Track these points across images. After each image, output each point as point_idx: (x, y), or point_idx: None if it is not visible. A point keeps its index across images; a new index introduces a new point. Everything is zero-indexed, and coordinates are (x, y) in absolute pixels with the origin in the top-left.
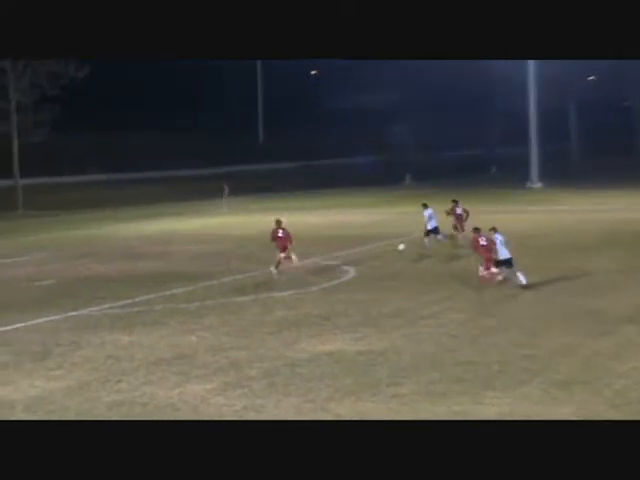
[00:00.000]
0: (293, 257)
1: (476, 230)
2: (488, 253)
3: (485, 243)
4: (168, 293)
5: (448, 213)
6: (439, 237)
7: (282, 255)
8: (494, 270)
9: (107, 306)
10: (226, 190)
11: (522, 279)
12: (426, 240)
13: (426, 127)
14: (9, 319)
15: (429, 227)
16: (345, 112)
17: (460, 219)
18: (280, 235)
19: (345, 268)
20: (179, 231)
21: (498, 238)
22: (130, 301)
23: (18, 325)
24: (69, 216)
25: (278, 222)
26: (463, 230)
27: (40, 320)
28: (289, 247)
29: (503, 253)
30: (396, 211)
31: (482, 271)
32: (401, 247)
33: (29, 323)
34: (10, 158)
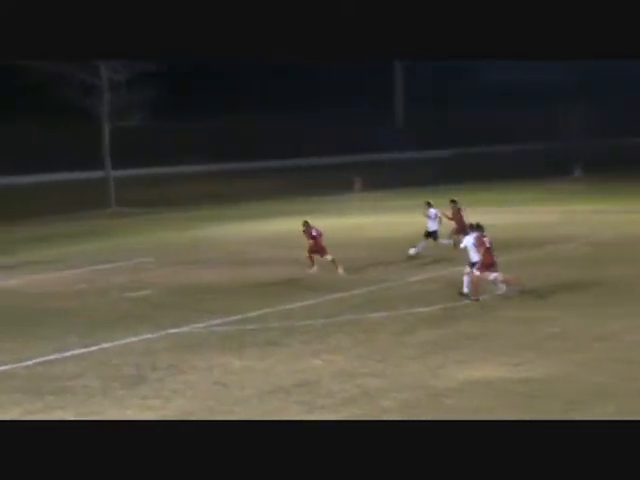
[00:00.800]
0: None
1: (479, 228)
2: (489, 256)
3: (489, 245)
4: (287, 307)
5: (450, 218)
6: (442, 242)
7: (328, 257)
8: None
9: (214, 322)
10: (357, 183)
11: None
12: (422, 244)
13: (610, 108)
14: (97, 337)
15: (430, 229)
16: (509, 88)
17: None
18: (314, 235)
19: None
20: (300, 233)
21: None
22: (241, 317)
23: (107, 345)
24: (169, 214)
25: (305, 224)
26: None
27: (133, 339)
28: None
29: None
30: (563, 210)
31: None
32: (412, 252)
33: (120, 342)
34: (100, 146)
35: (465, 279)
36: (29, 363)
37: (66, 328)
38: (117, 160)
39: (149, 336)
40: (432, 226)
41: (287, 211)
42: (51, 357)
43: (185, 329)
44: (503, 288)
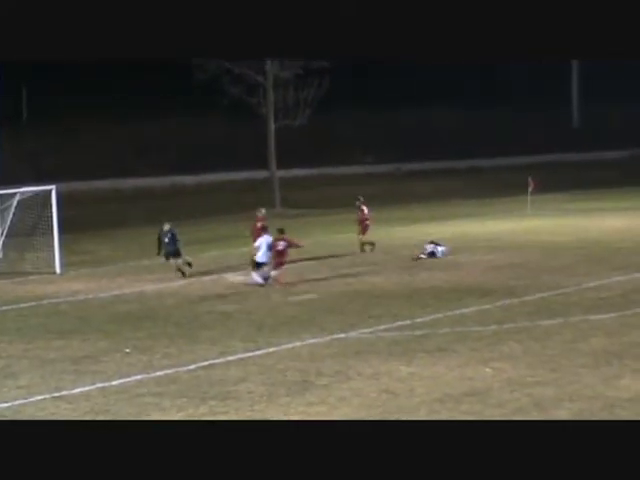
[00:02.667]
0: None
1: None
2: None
3: (281, 248)
4: (457, 313)
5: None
6: None
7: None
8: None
9: (381, 328)
10: (531, 185)
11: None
12: None
13: None
14: (261, 342)
15: None
16: None
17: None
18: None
19: None
20: (472, 236)
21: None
22: (409, 322)
23: (271, 349)
24: (335, 216)
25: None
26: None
27: (298, 344)
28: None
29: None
30: None
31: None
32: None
33: (284, 347)
34: (266, 146)
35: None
36: (191, 367)
37: (228, 332)
38: (282, 160)
39: (314, 341)
40: None
41: (462, 214)
42: (214, 361)
43: (351, 334)
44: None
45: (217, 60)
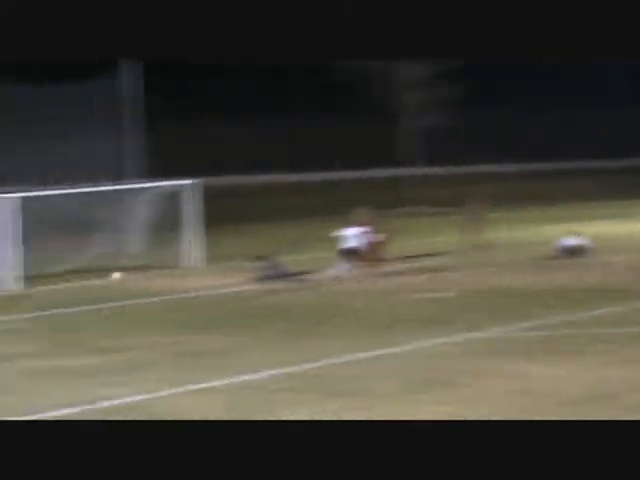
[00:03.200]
0: None
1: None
2: None
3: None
4: (591, 314)
5: None
6: None
7: None
8: None
9: (515, 328)
10: None
11: None
12: None
13: None
14: (394, 340)
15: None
16: None
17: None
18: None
19: None
20: (610, 237)
21: None
22: (543, 322)
23: (405, 347)
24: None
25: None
26: None
27: (432, 342)
28: None
29: None
30: None
31: None
32: None
33: (418, 345)
34: (396, 144)
35: None
36: (323, 363)
37: (359, 328)
38: (417, 158)
39: (448, 339)
40: None
41: (598, 215)
42: (344, 358)
43: (486, 334)
44: None
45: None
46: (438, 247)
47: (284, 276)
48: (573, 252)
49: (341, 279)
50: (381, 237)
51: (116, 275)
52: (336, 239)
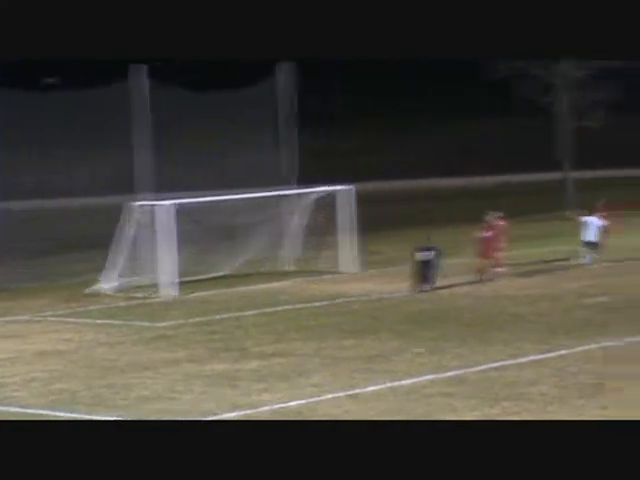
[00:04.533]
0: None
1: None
2: None
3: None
4: None
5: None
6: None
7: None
8: None
9: None
10: None
11: None
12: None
13: None
14: (554, 344)
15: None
16: None
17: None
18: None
19: None
20: None
21: None
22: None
23: (564, 352)
24: (634, 218)
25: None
26: None
27: (592, 346)
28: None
29: None
30: None
31: None
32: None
33: (578, 349)
34: (554, 145)
35: None
36: (482, 368)
37: (520, 333)
38: (577, 161)
39: (608, 344)
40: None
41: None
42: (505, 362)
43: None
44: None
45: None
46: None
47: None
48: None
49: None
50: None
51: None
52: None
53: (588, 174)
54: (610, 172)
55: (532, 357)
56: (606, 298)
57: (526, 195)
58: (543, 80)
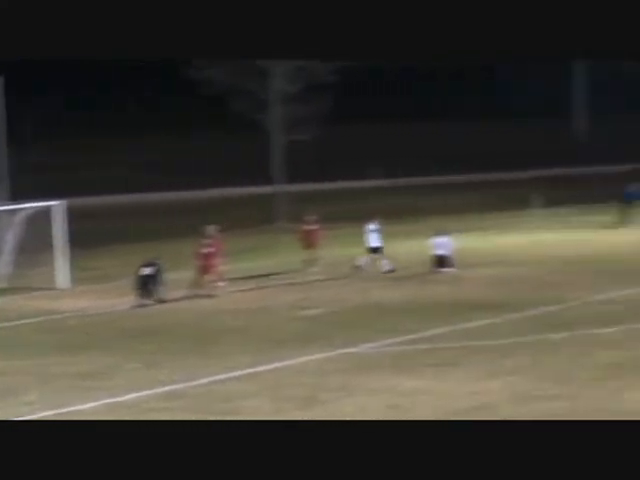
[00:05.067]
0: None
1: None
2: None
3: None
4: (463, 327)
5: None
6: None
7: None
8: None
9: (387, 342)
10: (537, 199)
11: None
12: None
13: None
14: (267, 356)
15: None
16: None
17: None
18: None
19: None
20: (478, 251)
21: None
22: (416, 336)
23: (277, 364)
24: (343, 230)
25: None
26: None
27: (305, 359)
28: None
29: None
30: None
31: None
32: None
33: (292, 362)
34: (268, 160)
35: None
36: (200, 382)
37: (238, 347)
38: (289, 174)
39: (321, 356)
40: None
41: (469, 228)
42: (222, 376)
43: (358, 349)
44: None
45: (224, 76)
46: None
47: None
48: (442, 264)
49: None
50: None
51: None
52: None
53: (299, 187)
54: (320, 185)
55: (249, 370)
56: (320, 310)
57: (242, 209)
58: (257, 95)
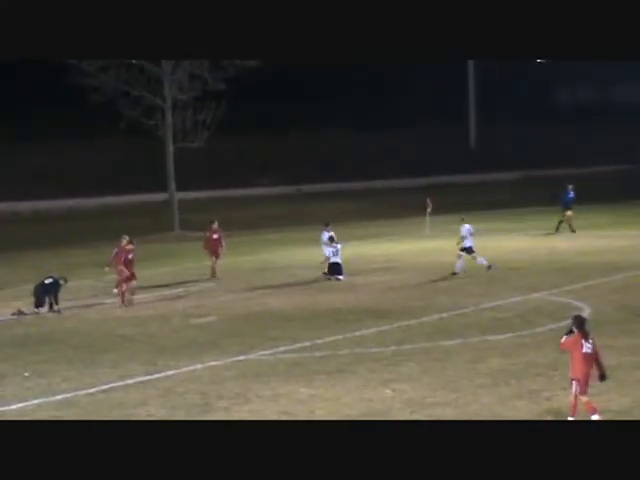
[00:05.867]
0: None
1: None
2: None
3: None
4: (357, 334)
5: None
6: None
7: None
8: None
9: (281, 349)
10: (429, 206)
11: None
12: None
13: None
14: (161, 365)
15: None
16: (584, 108)
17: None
18: (215, 237)
19: (579, 304)
20: (369, 258)
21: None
22: (309, 344)
23: (171, 372)
24: (236, 238)
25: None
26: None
27: (198, 366)
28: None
29: None
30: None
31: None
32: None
33: (185, 370)
34: (164, 168)
35: None
36: (91, 391)
37: (129, 355)
38: (182, 182)
39: (214, 363)
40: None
41: (358, 235)
42: (114, 384)
43: (251, 356)
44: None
45: (114, 83)
46: (206, 271)
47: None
48: (334, 271)
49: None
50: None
51: None
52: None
53: (192, 195)
54: (212, 193)
55: (140, 378)
56: (214, 318)
57: (137, 216)
58: (149, 102)
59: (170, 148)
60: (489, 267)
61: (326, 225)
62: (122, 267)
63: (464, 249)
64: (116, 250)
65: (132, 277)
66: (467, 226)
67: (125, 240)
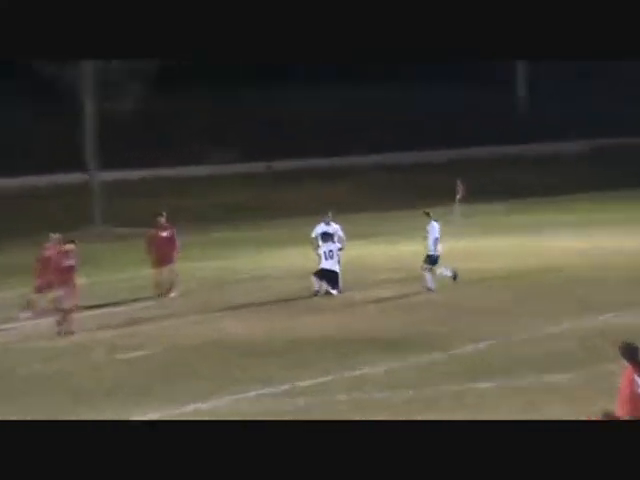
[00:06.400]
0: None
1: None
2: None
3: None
4: (355, 374)
5: None
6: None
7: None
8: None
9: (249, 396)
10: (459, 191)
11: None
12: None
13: None
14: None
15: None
16: None
17: None
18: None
19: None
20: (373, 264)
21: None
22: (288, 387)
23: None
24: (182, 237)
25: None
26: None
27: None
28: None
29: None
30: None
31: None
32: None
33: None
34: (80, 138)
35: None
36: None
37: (28, 405)
38: (106, 158)
39: (151, 417)
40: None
41: (354, 232)
42: None
43: (203, 408)
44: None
45: None
46: (140, 283)
47: None
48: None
49: None
50: None
51: None
52: None
53: (115, 175)
54: (146, 172)
55: None
56: (149, 351)
57: (41, 206)
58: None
59: (89, 110)
60: (454, 277)
61: (325, 215)
62: (52, 277)
63: (430, 257)
64: (45, 255)
65: (71, 292)
66: (437, 225)
67: (54, 240)
